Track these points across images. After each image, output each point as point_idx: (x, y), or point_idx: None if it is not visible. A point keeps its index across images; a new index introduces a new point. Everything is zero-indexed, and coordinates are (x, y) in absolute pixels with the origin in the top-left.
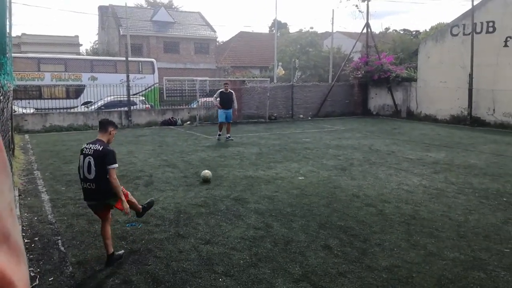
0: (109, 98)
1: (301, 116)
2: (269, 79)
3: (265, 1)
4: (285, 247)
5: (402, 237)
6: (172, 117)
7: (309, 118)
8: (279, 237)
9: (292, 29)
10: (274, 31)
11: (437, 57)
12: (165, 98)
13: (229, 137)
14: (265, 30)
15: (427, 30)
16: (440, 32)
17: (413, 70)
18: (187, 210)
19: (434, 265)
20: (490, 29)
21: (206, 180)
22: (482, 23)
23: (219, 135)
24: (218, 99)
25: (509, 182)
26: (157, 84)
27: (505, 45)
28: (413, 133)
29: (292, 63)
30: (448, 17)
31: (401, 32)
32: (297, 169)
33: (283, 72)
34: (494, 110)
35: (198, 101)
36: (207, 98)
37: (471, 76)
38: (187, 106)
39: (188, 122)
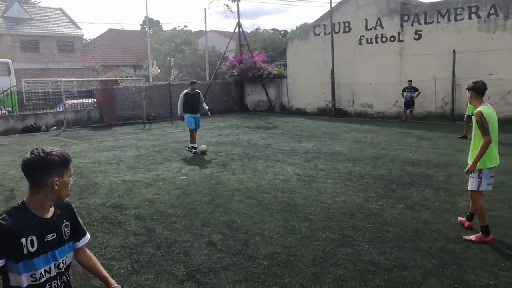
0: None
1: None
2: (144, 78)
3: None
4: (168, 249)
5: (280, 224)
6: (34, 123)
7: None
8: (162, 240)
9: (166, 27)
10: (146, 28)
11: (303, 55)
12: (25, 102)
13: (195, 148)
14: (137, 27)
15: (293, 30)
16: (304, 31)
17: (283, 67)
18: None
19: (309, 246)
20: (347, 29)
21: (203, 152)
22: (339, 23)
23: (193, 148)
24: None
25: (368, 164)
26: (15, 87)
27: (359, 43)
28: (286, 126)
29: (168, 61)
30: (311, 18)
31: (271, 32)
32: (179, 168)
33: (159, 70)
34: (353, 101)
35: (64, 104)
36: (75, 100)
37: (332, 72)
38: (52, 110)
39: (54, 128)
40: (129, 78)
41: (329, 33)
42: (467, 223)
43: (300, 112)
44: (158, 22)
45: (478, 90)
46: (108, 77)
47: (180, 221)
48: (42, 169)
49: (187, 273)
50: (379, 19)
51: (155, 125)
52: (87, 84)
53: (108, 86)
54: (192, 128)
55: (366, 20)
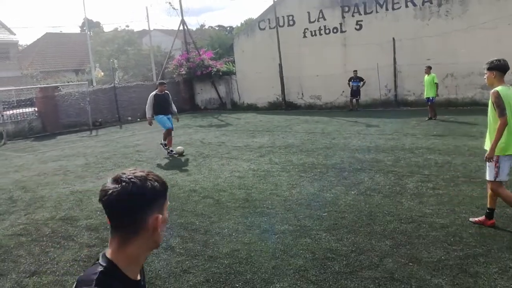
0: None
1: (129, 118)
2: (87, 82)
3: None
4: None
5: (239, 221)
6: None
7: (138, 119)
8: None
9: (107, 28)
10: (86, 31)
11: (251, 50)
12: None
13: (171, 151)
14: (76, 30)
15: (239, 25)
16: (250, 27)
17: (232, 64)
18: (3, 243)
19: (269, 240)
20: (291, 23)
21: (181, 154)
22: (283, 17)
23: (170, 150)
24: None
25: (320, 155)
26: None
27: (304, 36)
28: (239, 123)
29: (111, 63)
30: (255, 13)
31: (217, 28)
32: None
33: (102, 74)
34: (302, 94)
35: (2, 115)
36: (14, 111)
37: (280, 65)
38: None
39: None
40: (71, 83)
41: (274, 27)
42: (489, 222)
43: (252, 108)
44: (98, 23)
45: (503, 68)
46: (48, 84)
47: None
48: (141, 203)
49: (147, 280)
50: (321, 11)
51: (103, 130)
52: (26, 92)
53: (49, 93)
54: (168, 127)
55: (309, 13)
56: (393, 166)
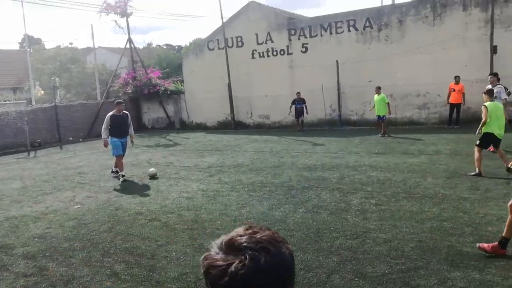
0: None
1: (71, 138)
2: (25, 101)
3: (11, 15)
4: (65, 287)
5: (187, 244)
6: None
7: (80, 140)
8: (57, 278)
9: (49, 45)
10: (26, 47)
11: (200, 70)
12: None
13: (122, 175)
14: (15, 46)
15: (187, 45)
16: (199, 47)
17: (180, 83)
18: None
19: None
20: (240, 44)
21: (153, 176)
22: (232, 38)
23: (121, 175)
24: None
25: (270, 173)
26: None
27: (253, 57)
28: (187, 142)
29: (52, 81)
30: (204, 33)
31: (165, 47)
32: (72, 197)
33: (42, 92)
34: (251, 113)
35: None
36: None
37: (229, 85)
38: None
39: None
40: (8, 102)
41: (223, 48)
42: (501, 251)
43: (201, 127)
44: (39, 39)
45: (490, 94)
46: None
47: (77, 254)
48: (283, 282)
49: None
50: (269, 33)
51: (42, 151)
52: None
53: None
54: (118, 153)
55: (257, 34)
56: (338, 183)
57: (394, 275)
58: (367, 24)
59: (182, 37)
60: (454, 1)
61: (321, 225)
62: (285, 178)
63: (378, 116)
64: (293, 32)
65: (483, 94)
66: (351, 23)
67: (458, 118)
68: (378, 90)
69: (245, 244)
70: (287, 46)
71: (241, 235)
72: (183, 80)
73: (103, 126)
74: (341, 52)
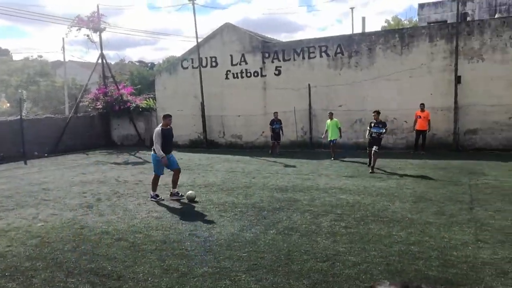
0: None
1: (36, 153)
2: None
3: None
4: None
5: (155, 265)
6: None
7: (46, 154)
8: None
9: (17, 56)
10: None
11: (173, 87)
12: None
13: (156, 195)
14: None
15: (161, 63)
16: (172, 65)
17: (152, 100)
18: None
19: (187, 284)
20: (214, 64)
21: (192, 199)
22: (207, 58)
23: (155, 194)
24: None
25: (241, 194)
26: None
27: (227, 78)
28: None
29: (19, 94)
30: (178, 51)
31: (137, 64)
32: (35, 214)
33: (8, 104)
34: (224, 133)
35: None
36: None
37: (202, 104)
38: None
39: None
40: None
41: (197, 67)
42: None
43: (173, 145)
44: (6, 51)
45: None
46: None
47: (39, 274)
48: None
49: None
50: (243, 55)
51: (4, 166)
52: None
53: None
54: (162, 173)
55: (231, 55)
56: (309, 205)
57: None
58: (338, 50)
59: (155, 54)
60: (421, 32)
61: (291, 247)
62: (257, 199)
63: (331, 140)
64: (267, 55)
65: None
66: (323, 49)
67: (424, 144)
68: (331, 115)
69: None
70: (261, 68)
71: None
72: (155, 97)
73: (155, 143)
74: (313, 76)
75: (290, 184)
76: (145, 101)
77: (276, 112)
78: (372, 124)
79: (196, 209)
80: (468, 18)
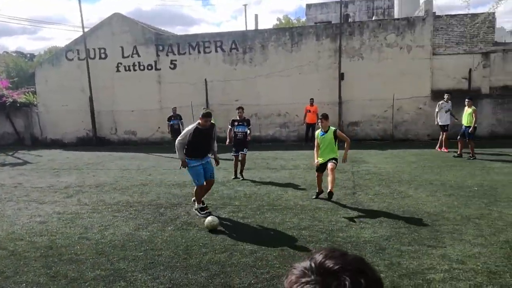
0: None
1: None
2: None
3: None
4: None
5: (40, 273)
6: None
7: None
8: None
9: None
10: None
11: (56, 80)
12: None
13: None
14: None
15: (42, 53)
16: (56, 56)
17: (33, 94)
18: None
19: None
20: (103, 55)
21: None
22: (94, 49)
23: (200, 207)
24: None
25: (136, 192)
26: None
27: (117, 70)
28: (41, 160)
29: None
30: (62, 41)
31: (14, 55)
32: None
33: None
34: (116, 129)
35: None
36: None
37: (91, 99)
38: None
39: None
40: None
41: (84, 59)
42: None
43: (57, 144)
44: None
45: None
46: None
47: None
48: None
49: None
50: (135, 47)
51: None
52: None
53: None
54: (202, 182)
55: (122, 47)
56: (207, 199)
57: (259, 285)
58: (233, 46)
59: (36, 44)
60: (308, 31)
61: (190, 242)
62: (153, 196)
63: None
64: (161, 48)
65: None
66: (218, 44)
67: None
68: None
69: (337, 267)
70: (155, 61)
71: (325, 256)
72: (35, 92)
73: (178, 138)
74: (209, 71)
75: (188, 179)
76: (24, 96)
77: (175, 107)
78: (236, 123)
79: (86, 211)
80: (350, 20)
